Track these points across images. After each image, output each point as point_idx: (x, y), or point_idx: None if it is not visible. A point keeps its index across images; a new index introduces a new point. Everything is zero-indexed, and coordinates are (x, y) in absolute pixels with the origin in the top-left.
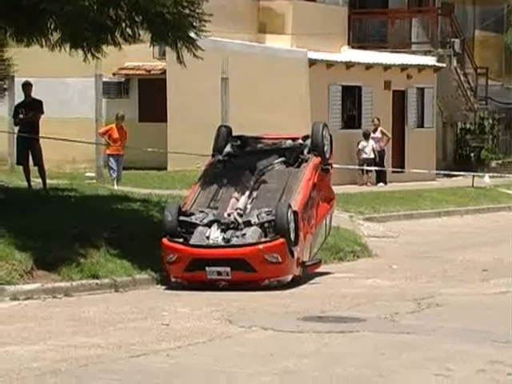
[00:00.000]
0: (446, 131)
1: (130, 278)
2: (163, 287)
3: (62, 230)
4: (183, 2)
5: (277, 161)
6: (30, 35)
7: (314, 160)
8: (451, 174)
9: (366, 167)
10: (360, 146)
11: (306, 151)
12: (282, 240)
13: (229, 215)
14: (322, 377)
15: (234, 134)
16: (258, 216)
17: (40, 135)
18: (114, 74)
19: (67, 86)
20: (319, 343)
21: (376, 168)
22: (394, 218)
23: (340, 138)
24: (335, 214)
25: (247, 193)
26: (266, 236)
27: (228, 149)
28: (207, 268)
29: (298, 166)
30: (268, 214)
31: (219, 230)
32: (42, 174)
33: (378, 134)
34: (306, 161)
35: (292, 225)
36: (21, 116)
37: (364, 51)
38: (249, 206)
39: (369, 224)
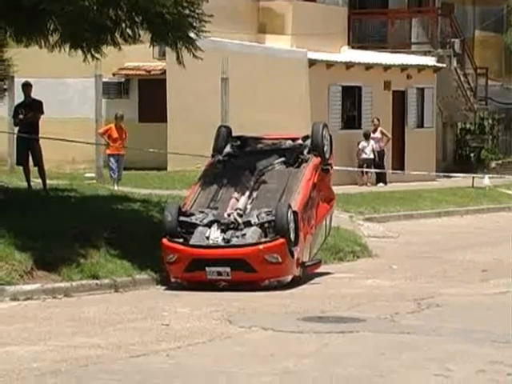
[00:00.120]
0: (446, 131)
1: (130, 278)
2: (163, 287)
3: (62, 231)
4: (183, 3)
5: (277, 161)
6: (30, 35)
7: (314, 160)
8: (451, 175)
9: (365, 168)
10: (360, 146)
11: (305, 151)
12: (281, 240)
13: (229, 215)
14: (322, 377)
15: (233, 134)
16: (257, 216)
17: (40, 135)
18: (113, 75)
19: (67, 86)
20: (319, 343)
21: (376, 170)
22: (393, 218)
23: (340, 138)
24: (335, 215)
25: (247, 193)
26: (266, 236)
27: (228, 149)
28: (207, 268)
29: (298, 167)
30: (268, 215)
31: (219, 231)
32: (42, 174)
33: (377, 135)
34: (306, 161)
35: (292, 225)
36: (21, 116)
37: (364, 51)
38: (249, 207)
39: (369, 224)
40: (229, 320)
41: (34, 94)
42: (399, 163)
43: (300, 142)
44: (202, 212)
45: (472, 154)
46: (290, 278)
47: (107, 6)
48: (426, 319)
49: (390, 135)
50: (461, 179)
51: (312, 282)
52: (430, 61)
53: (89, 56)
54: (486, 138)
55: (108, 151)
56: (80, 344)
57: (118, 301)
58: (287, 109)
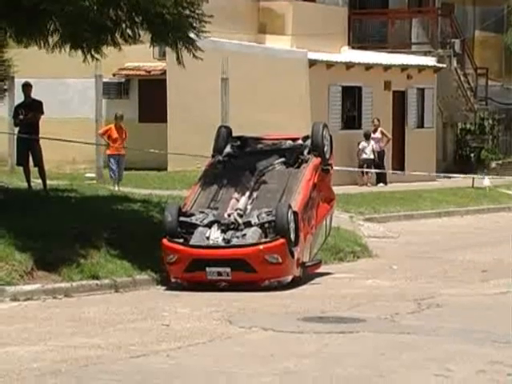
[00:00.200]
0: (446, 132)
1: (130, 278)
2: (163, 288)
3: (63, 231)
4: (183, 3)
5: (277, 161)
6: (30, 36)
7: (314, 160)
8: (451, 175)
9: (365, 168)
10: (360, 147)
11: (306, 152)
12: (282, 240)
13: (229, 216)
14: (322, 377)
15: (234, 134)
16: (258, 216)
17: (40, 136)
18: (114, 75)
19: (67, 86)
20: (319, 343)
21: (376, 170)
22: (394, 218)
23: (340, 138)
24: (335, 215)
25: (247, 193)
26: (266, 236)
27: (228, 149)
28: (207, 268)
29: (298, 167)
30: (268, 215)
31: (219, 231)
32: (42, 174)
33: (377, 135)
34: (306, 161)
35: (292, 225)
36: (21, 117)
37: (364, 51)
38: (249, 207)
39: (369, 224)
40: (229, 320)
41: (34, 95)
42: (399, 163)
43: (300, 142)
44: (202, 212)
45: (472, 155)
46: (290, 278)
47: (107, 6)
48: (426, 319)
49: (390, 135)
50: (461, 179)
51: (312, 282)
52: (430, 61)
53: (89, 56)
54: (486, 138)
55: (108, 152)
56: (80, 344)
57: (118, 301)
58: (287, 109)
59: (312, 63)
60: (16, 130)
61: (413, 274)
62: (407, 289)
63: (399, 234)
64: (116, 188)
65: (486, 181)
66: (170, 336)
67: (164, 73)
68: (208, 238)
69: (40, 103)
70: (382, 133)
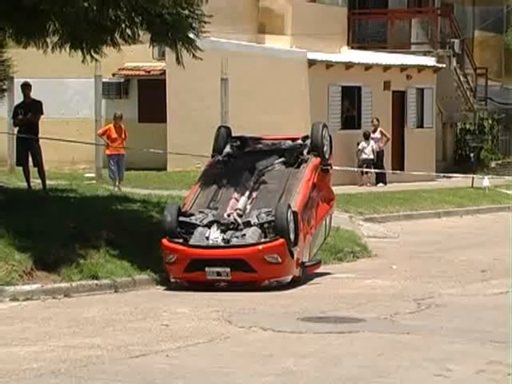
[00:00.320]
0: (446, 132)
1: (130, 278)
2: (163, 288)
3: (62, 231)
4: (183, 3)
5: (276, 161)
6: (30, 36)
7: (314, 160)
8: (450, 175)
9: (365, 168)
10: (360, 147)
11: (305, 152)
12: (281, 240)
13: (228, 216)
14: (322, 377)
15: (233, 134)
16: (257, 216)
17: (39, 136)
18: (113, 75)
19: (67, 86)
20: (319, 343)
21: (376, 170)
22: (393, 218)
23: (339, 138)
24: (335, 215)
25: (247, 193)
26: (265, 236)
27: (228, 149)
28: (207, 268)
29: (298, 167)
30: (268, 215)
31: (219, 231)
32: (42, 174)
33: (377, 135)
34: (306, 161)
35: (292, 225)
36: (20, 117)
37: (364, 52)
38: (248, 207)
39: (369, 224)
40: (228, 320)
41: (34, 95)
42: (399, 163)
43: (300, 142)
44: (202, 212)
45: (472, 154)
46: (289, 278)
47: (107, 6)
48: (426, 319)
49: (389, 135)
50: (460, 179)
51: (312, 282)
52: (429, 61)
53: (88, 57)
54: (485, 138)
55: (107, 152)
56: (80, 344)
57: (118, 301)
58: (287, 109)
59: (311, 63)
60: (15, 130)
61: (412, 274)
62: (407, 289)
63: (399, 234)
64: (116, 188)
65: (486, 181)
66: (170, 336)
67: (163, 73)
68: (207, 238)
69: (39, 103)
70: (382, 133)
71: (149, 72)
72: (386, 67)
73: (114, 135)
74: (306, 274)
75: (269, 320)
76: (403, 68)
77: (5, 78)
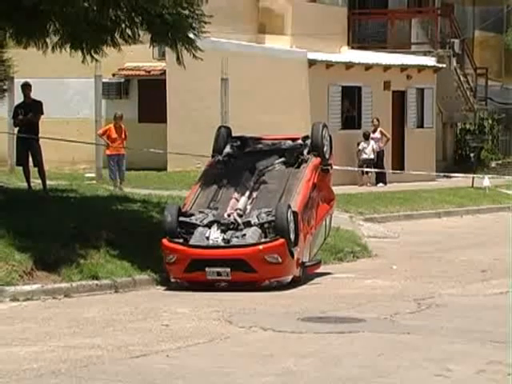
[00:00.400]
0: (446, 132)
1: (130, 278)
2: (163, 288)
3: (62, 231)
4: (183, 3)
5: (277, 161)
6: (30, 36)
7: (314, 160)
8: (451, 175)
9: (365, 168)
10: (360, 147)
11: (305, 152)
12: (281, 240)
13: (229, 216)
14: (322, 377)
15: (233, 134)
16: (257, 216)
17: (40, 136)
18: (113, 75)
19: (67, 86)
20: (319, 343)
21: (376, 170)
22: (393, 218)
23: (340, 138)
24: (335, 215)
25: (247, 193)
26: (265, 236)
27: (228, 149)
28: (207, 268)
29: (298, 167)
30: (268, 215)
31: (219, 231)
32: (42, 174)
33: (377, 135)
34: (306, 161)
35: (292, 225)
36: (20, 117)
37: (364, 52)
38: (249, 207)
39: (369, 224)
40: (229, 320)
41: (34, 95)
42: (399, 163)
43: (300, 142)
44: (202, 212)
45: (472, 154)
46: (289, 278)
47: (107, 6)
48: (426, 319)
49: (389, 135)
50: (461, 179)
51: (312, 282)
52: (429, 61)
53: (88, 57)
54: (485, 138)
55: (107, 152)
56: (80, 344)
57: (118, 301)
58: (287, 109)
59: (312, 63)
60: (16, 130)
61: (413, 274)
62: (407, 289)
63: (399, 234)
64: (118, 188)
65: (486, 180)
66: (170, 336)
67: (164, 73)
68: (208, 238)
69: (39, 103)
70: (382, 133)
71: (149, 72)
72: (386, 67)
73: (114, 135)
74: (307, 274)
75: (269, 320)
76: (403, 68)
77: (5, 78)
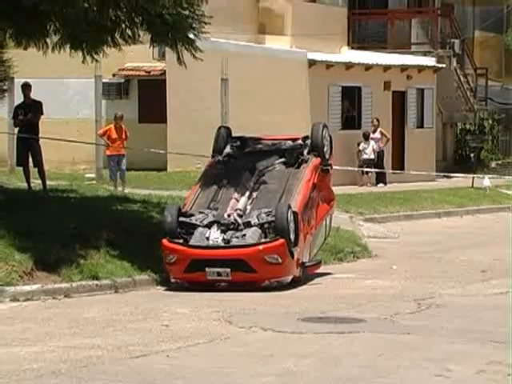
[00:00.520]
0: (446, 132)
1: (130, 279)
2: (163, 288)
3: (62, 231)
4: (183, 4)
5: (277, 161)
6: (30, 36)
7: (314, 161)
8: (451, 175)
9: (365, 168)
10: (360, 147)
11: (305, 152)
12: (281, 241)
13: (229, 216)
14: (322, 377)
15: (233, 134)
16: (257, 217)
17: (40, 136)
18: (113, 75)
19: (67, 86)
20: (319, 344)
21: (376, 170)
22: (393, 218)
23: (340, 138)
24: (335, 215)
25: (247, 193)
26: (265, 237)
27: (228, 150)
28: (207, 269)
29: (298, 167)
30: (268, 215)
31: (219, 231)
32: (42, 175)
33: (377, 135)
34: (306, 161)
35: (292, 225)
36: (20, 117)
37: (364, 52)
38: (249, 207)
39: (369, 225)
40: (229, 320)
41: (34, 95)
42: (399, 163)
43: (300, 142)
44: (202, 213)
45: (472, 155)
46: (290, 278)
47: (107, 6)
48: (426, 319)
49: (389, 136)
50: (461, 179)
51: (312, 282)
52: (429, 61)
53: (88, 57)
54: (485, 138)
55: (107, 152)
56: (80, 345)
57: (118, 301)
58: (287, 109)
59: (312, 63)
60: (16, 130)
61: (413, 274)
62: (407, 289)
63: (399, 234)
64: (119, 188)
65: (486, 180)
66: (170, 336)
67: (164, 73)
68: (208, 239)
69: (40, 103)
70: (382, 133)
71: (149, 72)
72: (386, 67)
73: (115, 136)
74: (307, 275)
75: (269, 320)
76: (403, 68)
77: (5, 78)
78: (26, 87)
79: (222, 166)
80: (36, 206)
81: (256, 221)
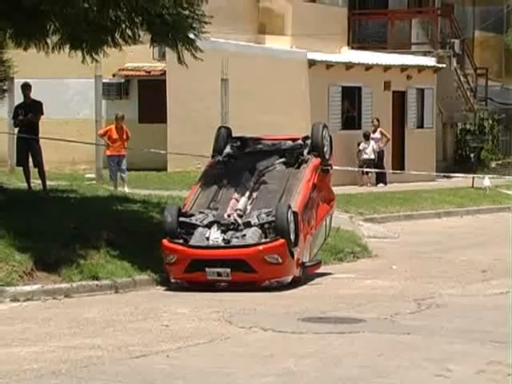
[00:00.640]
0: (446, 132)
1: (130, 279)
2: (163, 288)
3: (62, 231)
4: (183, 4)
5: (277, 162)
6: (30, 36)
7: (314, 161)
8: (451, 175)
9: (365, 168)
10: (361, 147)
11: (305, 152)
12: (281, 241)
13: (229, 216)
14: (322, 377)
15: (233, 134)
16: (257, 217)
17: (40, 136)
18: (113, 75)
19: (67, 86)
20: (319, 344)
21: (376, 170)
22: (393, 218)
23: (340, 138)
24: (335, 215)
25: (247, 194)
26: (266, 237)
27: (228, 150)
28: (207, 269)
29: (298, 167)
30: (268, 215)
31: (219, 231)
32: (42, 175)
33: (377, 135)
34: (306, 161)
35: (292, 226)
36: (20, 117)
37: (364, 52)
38: (249, 207)
39: (369, 225)
40: (229, 321)
41: (34, 95)
42: (399, 163)
43: (300, 142)
44: (202, 213)
45: (472, 155)
46: (290, 278)
47: (107, 7)
48: (426, 319)
49: (389, 136)
50: (461, 179)
51: (312, 282)
52: (429, 61)
53: (88, 57)
54: (485, 138)
55: (108, 152)
56: (80, 345)
57: (118, 302)
58: (287, 109)
59: (312, 63)
60: (16, 130)
61: (413, 274)
62: (407, 289)
63: (399, 234)
64: (119, 188)
65: (486, 180)
66: (170, 336)
67: (164, 73)
68: (208, 239)
69: (40, 104)
70: (382, 133)
71: (149, 72)
72: (387, 67)
73: (115, 136)
74: (307, 275)
75: (269, 320)
76: (403, 68)
77: (5, 78)
78: (26, 87)
79: (222, 166)
80: (36, 206)
81: (256, 221)
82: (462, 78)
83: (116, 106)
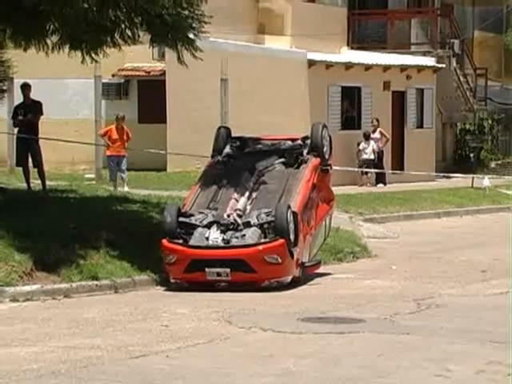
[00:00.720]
0: (446, 132)
1: (130, 279)
2: (163, 288)
3: (62, 232)
4: (183, 4)
5: (276, 162)
6: (29, 37)
7: (314, 161)
8: (450, 175)
9: (365, 168)
10: (360, 147)
11: (305, 152)
12: (281, 241)
13: (228, 216)
14: (322, 377)
15: (233, 134)
16: (257, 217)
17: (39, 136)
18: (113, 75)
19: (67, 87)
20: (319, 344)
21: (376, 170)
22: (393, 218)
23: (339, 138)
24: (335, 215)
25: (247, 194)
26: (265, 237)
27: (227, 150)
28: (207, 269)
29: (298, 167)
30: (267, 215)
31: (219, 231)
32: (42, 175)
33: (376, 135)
34: (306, 162)
35: (291, 226)
36: (20, 117)
37: (363, 52)
38: (248, 207)
39: (368, 225)
40: (228, 321)
41: (34, 95)
42: (399, 164)
43: (299, 142)
44: (202, 213)
45: (471, 155)
46: (289, 278)
47: (107, 7)
48: (426, 320)
49: (388, 136)
50: (460, 179)
51: (312, 282)
52: (429, 61)
53: (88, 57)
54: (485, 138)
55: (107, 152)
56: (80, 345)
57: (118, 302)
58: (287, 109)
59: (311, 63)
60: (15, 130)
61: (412, 274)
62: (407, 289)
63: (398, 234)
64: (119, 188)
65: (486, 180)
66: (170, 337)
67: (163, 73)
68: (207, 239)
69: (39, 104)
70: (381, 133)
71: (148, 72)
72: (386, 67)
73: (115, 136)
74: (306, 275)
75: (269, 320)
76: (403, 68)
77: (5, 78)
78: (26, 87)
79: (222, 166)
80: (36, 207)
81: (256, 221)
82: (461, 78)
83: (115, 106)
